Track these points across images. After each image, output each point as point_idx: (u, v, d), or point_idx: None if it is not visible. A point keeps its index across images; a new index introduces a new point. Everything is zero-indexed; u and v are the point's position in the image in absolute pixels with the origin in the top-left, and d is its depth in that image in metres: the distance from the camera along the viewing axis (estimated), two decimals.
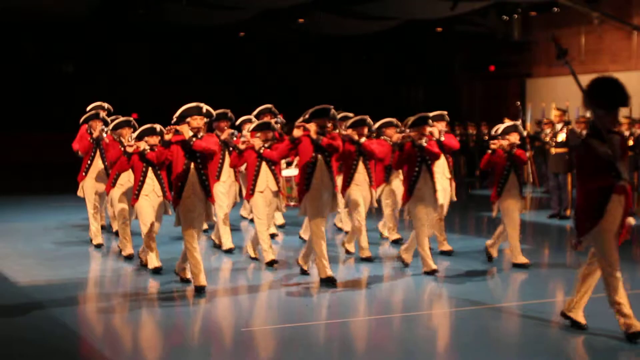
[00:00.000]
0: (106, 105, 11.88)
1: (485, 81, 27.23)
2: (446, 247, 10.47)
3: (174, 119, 8.32)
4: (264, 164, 9.63)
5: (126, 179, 10.03)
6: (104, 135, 10.83)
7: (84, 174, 11.21)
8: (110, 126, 10.46)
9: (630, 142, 14.93)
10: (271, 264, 9.55)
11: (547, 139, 15.14)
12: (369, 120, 10.09)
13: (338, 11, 21.85)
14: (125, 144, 9.59)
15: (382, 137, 10.50)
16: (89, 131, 11.12)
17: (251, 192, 9.65)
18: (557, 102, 21.11)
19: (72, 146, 12.03)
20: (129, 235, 10.08)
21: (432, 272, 9.10)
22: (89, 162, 11.16)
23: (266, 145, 9.68)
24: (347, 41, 26.11)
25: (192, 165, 8.26)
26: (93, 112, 11.29)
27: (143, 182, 9.32)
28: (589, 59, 23.47)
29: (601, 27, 22.78)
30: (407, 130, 9.40)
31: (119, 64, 25.50)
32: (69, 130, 24.35)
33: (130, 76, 25.22)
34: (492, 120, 20.38)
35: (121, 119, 10.42)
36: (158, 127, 9.36)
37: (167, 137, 8.28)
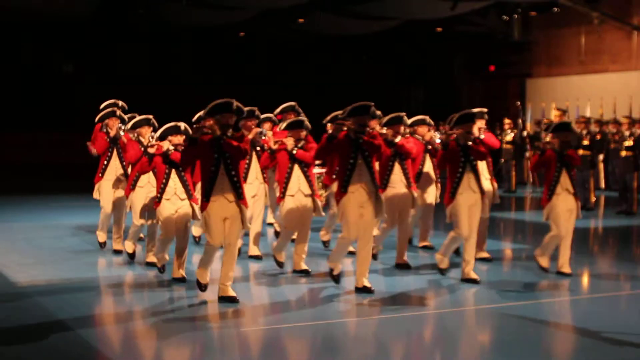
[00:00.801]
0: (120, 102, 11.15)
1: (485, 81, 27.25)
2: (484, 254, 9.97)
3: (199, 116, 7.79)
4: (296, 165, 9.04)
5: (146, 180, 9.53)
6: (122, 134, 10.24)
7: (100, 175, 10.50)
8: (129, 125, 9.79)
9: (630, 142, 14.93)
10: (281, 265, 9.23)
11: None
12: (405, 118, 9.52)
13: (338, 11, 21.85)
14: (146, 144, 9.10)
15: (414, 136, 9.81)
16: (105, 130, 10.44)
17: (282, 196, 9.06)
18: (557, 102, 21.13)
19: (88, 148, 11.60)
20: (153, 240, 9.50)
21: (473, 281, 8.60)
22: (105, 162, 10.45)
23: (299, 145, 9.04)
24: (347, 41, 26.11)
25: (222, 165, 7.68)
26: (109, 109, 10.56)
27: (166, 184, 8.68)
28: (589, 59, 23.47)
29: (601, 27, 22.78)
30: (450, 128, 8.78)
31: (119, 64, 25.51)
32: (68, 130, 24.56)
33: (130, 76, 25.23)
34: (492, 121, 20.38)
35: (140, 117, 9.76)
36: (182, 125, 8.73)
37: (195, 135, 7.68)
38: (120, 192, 10.32)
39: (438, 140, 9.75)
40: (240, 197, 7.69)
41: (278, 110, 11.14)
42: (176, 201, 8.68)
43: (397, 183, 9.33)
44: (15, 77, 24.76)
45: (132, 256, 9.81)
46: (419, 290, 8.43)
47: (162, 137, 8.65)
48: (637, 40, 22.36)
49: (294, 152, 9.02)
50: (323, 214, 9.34)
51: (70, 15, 21.48)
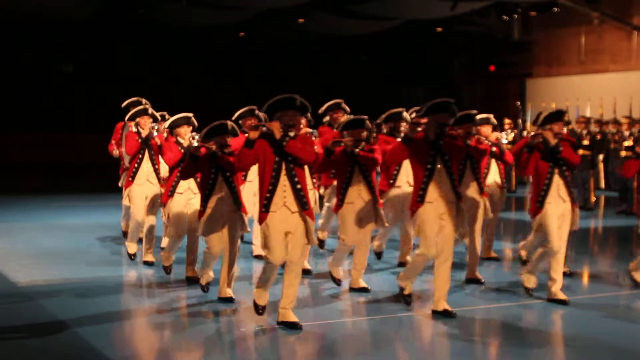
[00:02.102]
0: (144, 100, 10.44)
1: (485, 81, 27.24)
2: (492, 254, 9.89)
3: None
4: (357, 169, 8.09)
5: (186, 186, 8.71)
6: (155, 133, 9.52)
7: (130, 179, 9.62)
8: (167, 124, 8.88)
9: (630, 142, 14.92)
10: (337, 282, 8.51)
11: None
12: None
13: (338, 11, 21.85)
14: (185, 144, 8.47)
15: (477, 137, 8.63)
16: (136, 130, 9.58)
17: (340, 204, 8.12)
18: (557, 102, 21.13)
19: (108, 148, 11.24)
20: (195, 254, 8.75)
21: (561, 302, 7.75)
22: (135, 165, 9.58)
23: (359, 146, 8.10)
24: (347, 41, 26.11)
25: (284, 170, 6.83)
26: (140, 107, 9.72)
27: (211, 190, 7.76)
28: (589, 59, 23.47)
29: (601, 27, 22.78)
30: (539, 128, 7.88)
31: (119, 64, 25.51)
32: (68, 131, 24.56)
33: (130, 76, 25.22)
34: None
35: (179, 115, 8.76)
36: (230, 124, 7.88)
37: (253, 135, 6.80)
38: (154, 199, 9.59)
39: (505, 142, 9.09)
40: (304, 208, 6.84)
41: (323, 108, 10.37)
42: (223, 210, 7.82)
43: (468, 188, 8.62)
44: (15, 77, 24.75)
45: (168, 270, 8.92)
46: (421, 291, 8.42)
47: (207, 137, 7.77)
48: (637, 40, 22.36)
49: (356, 154, 8.04)
50: (386, 224, 8.43)
51: (70, 15, 21.48)
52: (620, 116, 18.48)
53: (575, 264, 9.70)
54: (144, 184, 9.59)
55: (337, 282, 8.51)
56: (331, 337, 6.84)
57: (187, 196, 8.71)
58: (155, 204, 9.62)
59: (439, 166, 7.22)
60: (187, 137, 8.72)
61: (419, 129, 7.39)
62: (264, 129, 6.81)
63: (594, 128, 17.64)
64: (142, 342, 6.76)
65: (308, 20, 22.56)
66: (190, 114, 8.73)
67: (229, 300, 7.77)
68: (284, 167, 6.80)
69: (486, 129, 9.13)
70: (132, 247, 9.96)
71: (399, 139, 8.61)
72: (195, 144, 8.66)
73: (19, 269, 9.43)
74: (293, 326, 6.85)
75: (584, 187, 15.20)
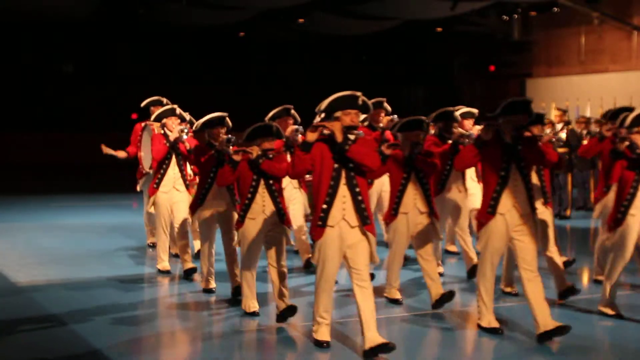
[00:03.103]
0: (165, 100, 9.87)
1: (485, 81, 27.24)
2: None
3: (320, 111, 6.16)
4: (413, 175, 7.40)
5: (217, 192, 7.95)
6: (185, 136, 8.72)
7: (155, 186, 8.91)
8: (199, 123, 7.97)
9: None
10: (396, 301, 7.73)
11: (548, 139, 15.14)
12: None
13: (338, 11, 21.86)
14: (219, 149, 7.74)
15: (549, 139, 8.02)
16: (163, 132, 8.87)
17: (393, 213, 7.44)
18: (557, 102, 21.12)
19: (127, 150, 10.42)
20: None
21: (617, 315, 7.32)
22: (162, 171, 8.86)
23: (415, 150, 7.36)
24: (347, 41, 26.11)
25: (343, 178, 6.06)
26: (168, 107, 8.99)
27: (252, 199, 7.02)
28: (589, 59, 23.47)
29: (601, 27, 22.78)
30: (629, 131, 7.04)
31: (119, 64, 25.51)
32: (68, 131, 24.55)
33: (130, 76, 25.23)
34: None
35: (213, 115, 7.98)
36: (275, 126, 7.17)
37: (310, 137, 6.07)
38: (181, 206, 8.88)
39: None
40: (366, 222, 6.09)
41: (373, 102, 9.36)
42: (265, 222, 7.10)
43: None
44: (15, 77, 24.75)
45: (210, 291, 8.23)
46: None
47: (250, 139, 7.05)
48: (637, 40, 22.36)
49: (414, 158, 7.33)
50: (442, 237, 7.83)
51: (70, 15, 21.48)
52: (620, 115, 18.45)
53: (575, 264, 9.69)
54: (170, 191, 8.91)
55: (398, 302, 7.71)
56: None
57: (216, 206, 7.98)
58: (182, 212, 8.87)
59: (514, 173, 6.45)
60: (176, 129, 8.48)
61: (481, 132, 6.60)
62: (324, 130, 6.01)
63: (594, 128, 17.64)
64: (143, 342, 6.76)
65: (308, 20, 22.57)
66: (225, 114, 7.99)
67: (283, 317, 7.05)
68: (343, 175, 6.03)
69: (536, 130, 8.63)
70: (163, 264, 9.14)
71: (449, 141, 8.42)
72: (185, 136, 8.66)
73: (19, 269, 9.43)
74: (385, 348, 6.03)
75: (584, 187, 15.20)
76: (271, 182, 7.04)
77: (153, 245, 10.40)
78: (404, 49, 27.72)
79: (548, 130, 8.44)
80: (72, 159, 23.87)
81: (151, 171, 9.48)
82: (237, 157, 7.08)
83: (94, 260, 10.09)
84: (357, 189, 6.04)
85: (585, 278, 9.30)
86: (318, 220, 6.06)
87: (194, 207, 8.04)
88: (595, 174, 15.31)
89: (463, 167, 7.04)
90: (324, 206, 6.02)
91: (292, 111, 8.75)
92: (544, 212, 7.90)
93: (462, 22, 23.78)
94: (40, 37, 24.30)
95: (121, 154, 10.38)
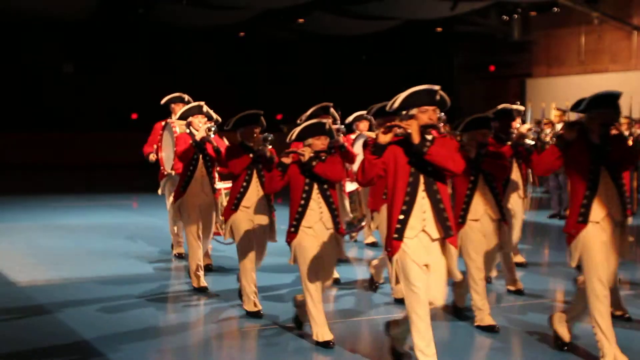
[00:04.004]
0: (186, 97, 9.31)
1: (485, 81, 27.25)
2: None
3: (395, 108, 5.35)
4: (481, 179, 6.75)
5: (254, 198, 7.16)
6: (212, 135, 8.01)
7: (181, 189, 8.15)
8: (231, 122, 7.23)
9: (630, 143, 14.91)
10: (491, 328, 6.83)
11: (547, 139, 15.13)
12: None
13: (338, 11, 21.86)
14: (256, 149, 7.10)
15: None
16: (188, 131, 8.17)
17: (461, 220, 6.78)
18: (557, 102, 21.10)
19: (143, 150, 9.91)
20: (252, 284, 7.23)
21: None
22: (188, 173, 8.12)
23: (482, 151, 6.68)
24: (347, 41, 26.11)
25: (422, 185, 5.34)
26: (194, 104, 8.26)
27: (305, 207, 6.26)
28: (589, 59, 23.48)
29: (601, 27, 22.78)
30: None
31: (119, 64, 25.51)
32: (68, 131, 24.54)
33: (130, 76, 25.23)
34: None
35: (245, 112, 7.24)
36: (328, 123, 6.35)
37: (383, 139, 5.30)
38: (208, 212, 8.25)
39: (532, 142, 8.12)
40: (448, 234, 5.36)
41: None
42: (320, 232, 6.32)
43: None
44: (15, 77, 24.75)
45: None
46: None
47: (300, 139, 6.31)
48: (637, 40, 22.36)
49: (481, 159, 6.68)
50: (512, 247, 7.24)
51: (70, 15, 21.48)
52: (620, 116, 18.48)
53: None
54: (197, 195, 8.14)
55: (496, 329, 6.88)
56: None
57: (253, 216, 7.20)
58: (210, 218, 8.28)
59: (605, 176, 5.79)
60: (203, 128, 7.81)
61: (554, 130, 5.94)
62: (399, 130, 5.29)
63: None
64: (143, 341, 6.76)
65: (308, 20, 22.57)
66: (260, 112, 7.29)
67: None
68: (422, 181, 5.32)
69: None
70: (196, 280, 8.26)
71: (508, 142, 7.89)
72: (212, 135, 7.86)
73: (19, 269, 9.43)
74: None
75: None
76: (325, 186, 6.29)
77: (179, 256, 9.88)
78: (404, 49, 27.72)
79: (548, 130, 8.22)
80: (72, 159, 23.87)
81: (173, 173, 9.08)
82: (287, 160, 6.28)
83: (94, 260, 10.09)
84: (438, 196, 5.32)
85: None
86: (394, 232, 5.33)
87: (228, 213, 7.26)
88: None
89: (544, 171, 6.30)
90: (401, 217, 5.30)
91: (332, 109, 8.01)
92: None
93: (462, 22, 23.79)
94: (40, 37, 24.30)
95: (152, 156, 9.82)
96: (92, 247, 10.98)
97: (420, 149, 5.23)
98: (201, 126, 8.05)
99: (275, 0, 20.48)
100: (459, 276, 5.51)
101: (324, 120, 6.39)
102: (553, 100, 21.90)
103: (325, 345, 6.31)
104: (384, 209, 7.08)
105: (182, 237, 9.70)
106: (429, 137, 5.30)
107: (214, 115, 8.38)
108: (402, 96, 5.34)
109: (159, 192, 9.87)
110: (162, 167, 9.63)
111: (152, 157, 9.76)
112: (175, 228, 9.58)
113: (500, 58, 26.13)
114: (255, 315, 7.24)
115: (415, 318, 5.32)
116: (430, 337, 5.36)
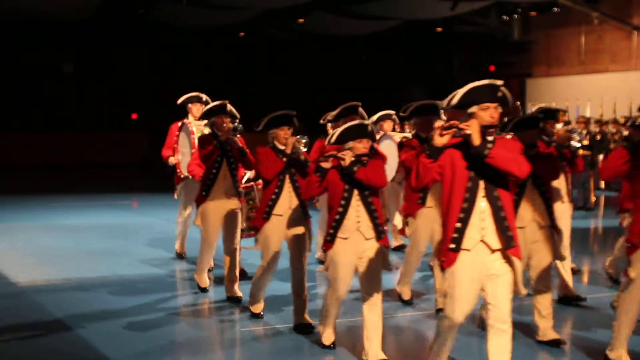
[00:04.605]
0: (204, 97, 8.94)
1: None
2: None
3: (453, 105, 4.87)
4: (529, 181, 6.15)
5: (287, 205, 6.65)
6: (237, 136, 7.58)
7: (203, 193, 7.67)
8: (262, 123, 6.65)
9: None
10: (557, 343, 6.40)
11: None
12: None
13: (338, 11, 21.87)
14: (289, 153, 6.56)
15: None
16: (211, 132, 7.67)
17: None
18: (557, 102, 21.13)
19: (161, 153, 9.55)
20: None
21: None
22: (210, 177, 7.63)
23: (531, 153, 5.98)
24: (347, 41, 26.11)
25: (482, 191, 4.81)
26: (217, 103, 7.67)
27: (343, 215, 5.78)
28: (589, 59, 23.49)
29: (601, 27, 22.79)
30: None
31: (119, 64, 25.52)
32: (68, 131, 24.56)
33: (130, 76, 25.24)
34: None
35: (277, 113, 6.69)
36: (370, 124, 5.88)
37: (440, 140, 4.80)
38: (233, 217, 7.73)
39: (578, 145, 7.37)
40: (510, 245, 4.86)
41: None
42: (359, 242, 5.85)
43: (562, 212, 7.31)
44: (15, 77, 24.76)
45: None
46: (422, 290, 8.42)
47: (340, 142, 5.80)
48: (637, 40, 22.37)
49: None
50: (566, 256, 6.97)
51: (70, 15, 21.49)
52: (620, 116, 18.49)
53: (575, 264, 9.67)
54: (221, 200, 7.66)
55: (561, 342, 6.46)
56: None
57: (287, 215, 6.69)
58: (235, 223, 7.77)
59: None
60: (227, 129, 7.31)
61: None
62: (456, 130, 4.78)
63: (594, 128, 17.65)
64: (143, 341, 6.76)
65: (308, 20, 22.57)
66: (293, 112, 6.71)
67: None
68: (482, 187, 4.79)
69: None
70: (203, 280, 8.12)
71: (552, 144, 7.24)
72: (237, 135, 7.35)
73: (19, 269, 9.43)
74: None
75: (584, 187, 15.21)
76: (367, 193, 5.79)
77: (180, 256, 9.83)
78: (404, 49, 27.72)
79: (559, 126, 7.97)
80: (72, 159, 23.88)
81: (190, 176, 8.75)
82: (326, 165, 5.83)
83: (94, 260, 10.08)
84: (499, 203, 4.78)
85: (585, 278, 9.29)
86: (450, 242, 4.83)
87: (260, 221, 6.77)
88: (595, 174, 15.33)
89: (611, 176, 5.93)
90: (458, 225, 4.79)
91: (360, 109, 7.56)
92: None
93: (462, 22, 23.79)
94: (40, 37, 24.30)
95: (172, 159, 9.47)
96: (92, 247, 10.98)
97: (480, 152, 4.68)
98: (225, 127, 7.53)
99: (275, 0, 20.48)
100: (523, 292, 4.93)
101: (366, 122, 5.93)
102: (553, 100, 21.91)
103: (328, 347, 6.30)
104: (420, 213, 6.98)
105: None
106: (490, 138, 4.77)
107: (238, 116, 7.86)
108: (461, 92, 4.85)
109: (175, 195, 9.58)
110: (178, 171, 9.33)
111: (172, 160, 9.38)
112: (182, 229, 9.66)
113: (500, 58, 26.15)
114: (258, 316, 7.24)
115: (443, 332, 5.05)
116: (447, 349, 5.12)
